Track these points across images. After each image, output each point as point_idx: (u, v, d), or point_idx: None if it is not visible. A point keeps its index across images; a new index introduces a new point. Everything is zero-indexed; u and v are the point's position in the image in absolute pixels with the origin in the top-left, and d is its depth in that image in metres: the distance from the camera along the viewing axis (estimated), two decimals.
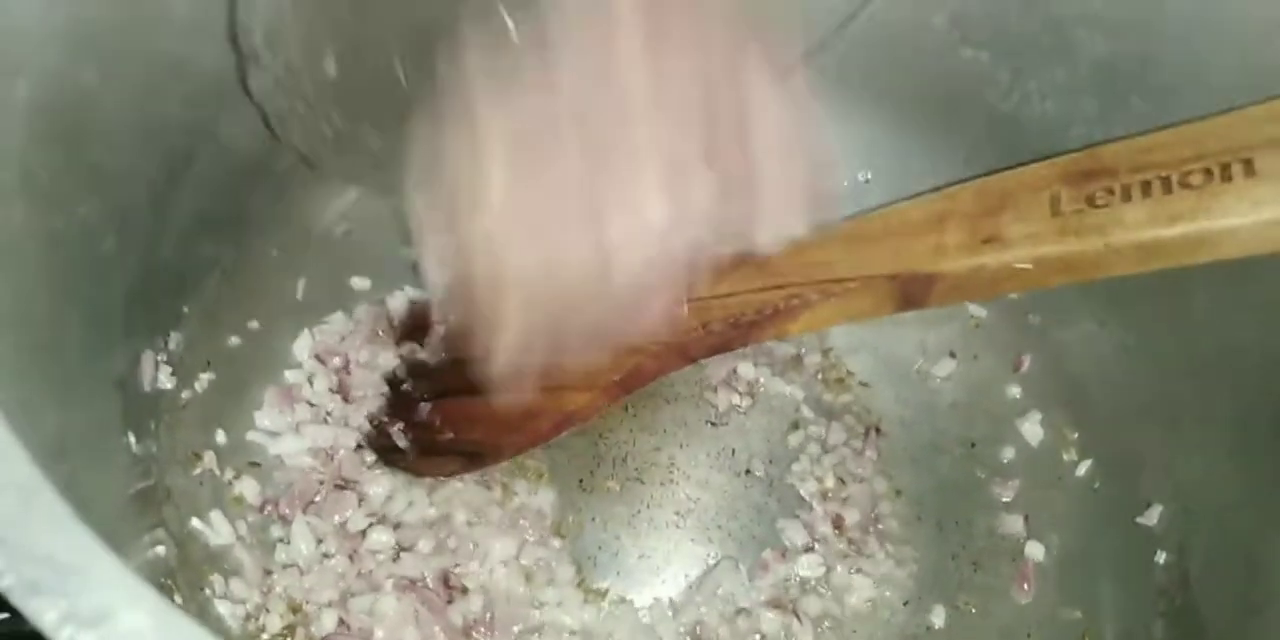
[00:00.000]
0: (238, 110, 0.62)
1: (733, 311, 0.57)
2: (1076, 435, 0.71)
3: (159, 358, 0.60)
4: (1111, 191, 0.47)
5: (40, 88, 0.47)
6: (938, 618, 0.66)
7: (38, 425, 0.37)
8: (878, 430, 0.72)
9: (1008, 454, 0.72)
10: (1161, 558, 0.63)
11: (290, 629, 0.61)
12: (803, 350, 0.75)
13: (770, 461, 0.71)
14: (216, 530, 0.61)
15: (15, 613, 0.52)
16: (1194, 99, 0.61)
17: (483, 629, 0.62)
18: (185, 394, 0.63)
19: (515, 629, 0.63)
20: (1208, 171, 0.45)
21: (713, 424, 0.72)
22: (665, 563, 0.67)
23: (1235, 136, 0.46)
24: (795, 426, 0.72)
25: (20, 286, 0.46)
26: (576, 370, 0.58)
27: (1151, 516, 0.65)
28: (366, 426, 0.67)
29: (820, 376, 0.74)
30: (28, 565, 0.31)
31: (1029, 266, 0.48)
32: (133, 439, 0.56)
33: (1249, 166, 0.44)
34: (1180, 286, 0.63)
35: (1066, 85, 0.67)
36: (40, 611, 0.31)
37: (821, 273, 0.55)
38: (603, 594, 0.66)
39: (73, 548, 0.32)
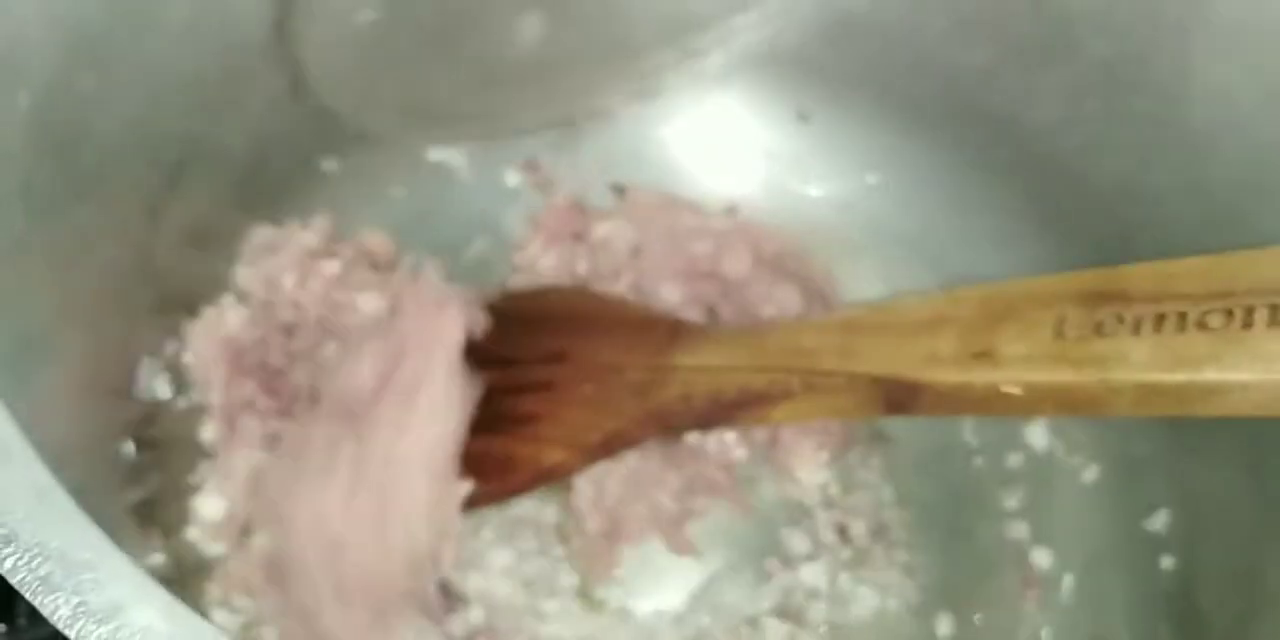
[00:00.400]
0: (235, 119, 0.62)
1: (715, 387, 0.56)
2: (1084, 439, 0.71)
3: (157, 366, 0.60)
4: (1122, 320, 0.43)
5: (41, 97, 0.47)
6: (945, 626, 0.66)
7: (39, 432, 0.37)
8: (883, 437, 0.72)
9: (1014, 460, 0.71)
10: (1167, 563, 0.63)
11: None
12: None
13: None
14: (212, 538, 0.60)
15: (13, 625, 0.52)
16: (1195, 102, 0.63)
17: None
18: (182, 403, 0.62)
19: None
20: (1229, 313, 0.40)
21: None
22: (666, 572, 0.67)
23: (1271, 276, 0.41)
24: None
25: (20, 293, 0.46)
26: (559, 426, 0.58)
27: (1157, 522, 0.65)
28: None
29: None
30: (40, 562, 0.32)
31: (1018, 391, 0.45)
32: (131, 448, 0.56)
33: (1275, 314, 0.39)
34: None
35: (1069, 86, 0.67)
36: (53, 607, 0.31)
37: (808, 362, 0.53)
38: (603, 604, 0.65)
39: (84, 545, 0.32)
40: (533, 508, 0.66)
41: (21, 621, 0.60)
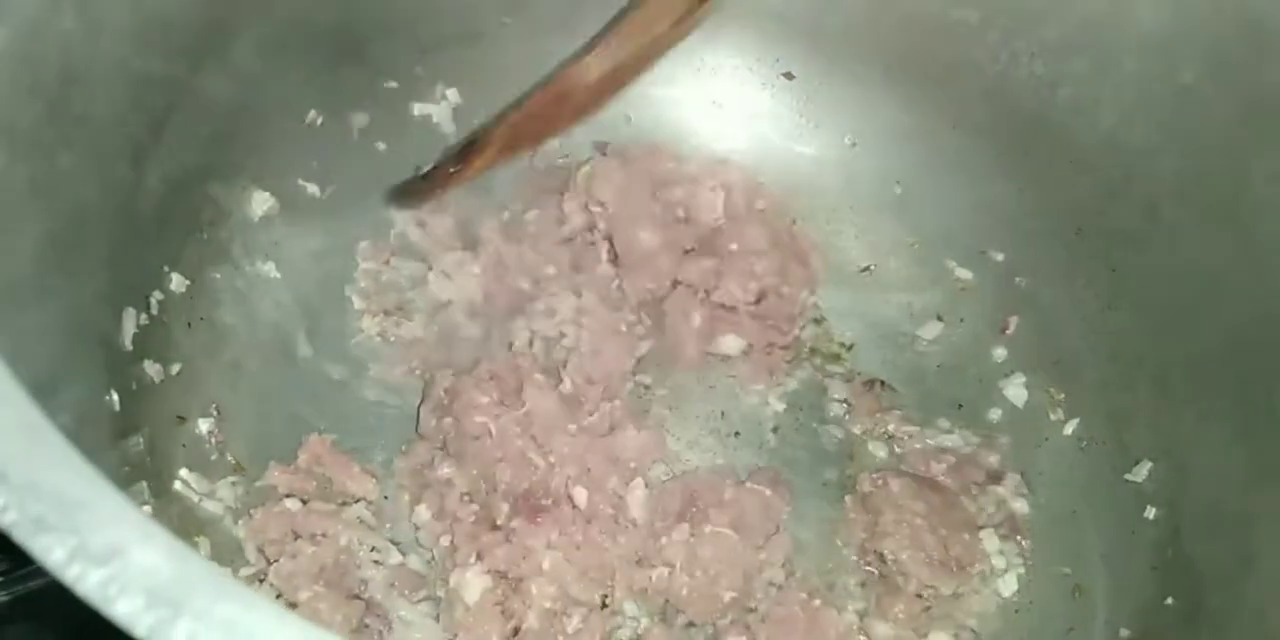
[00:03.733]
0: (219, 65, 0.61)
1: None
2: (1063, 395, 0.71)
3: (141, 317, 0.59)
4: None
5: (20, 34, 0.46)
6: None
7: (25, 377, 0.35)
8: (882, 384, 0.72)
9: (994, 415, 0.72)
10: (1151, 513, 0.64)
11: None
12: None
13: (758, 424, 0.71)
14: (199, 492, 0.60)
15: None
16: (1185, 58, 0.62)
17: None
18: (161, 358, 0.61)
19: None
20: None
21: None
22: None
23: None
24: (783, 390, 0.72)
25: (2, 236, 0.45)
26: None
27: (1140, 473, 0.65)
28: None
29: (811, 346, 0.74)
30: (33, 501, 0.30)
31: None
32: (116, 398, 0.55)
33: None
34: (1170, 234, 0.64)
35: (1058, 44, 0.67)
36: (47, 549, 0.29)
37: None
38: None
39: (80, 484, 0.31)
40: None
41: None
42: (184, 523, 0.59)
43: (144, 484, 0.56)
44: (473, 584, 0.60)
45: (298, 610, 0.58)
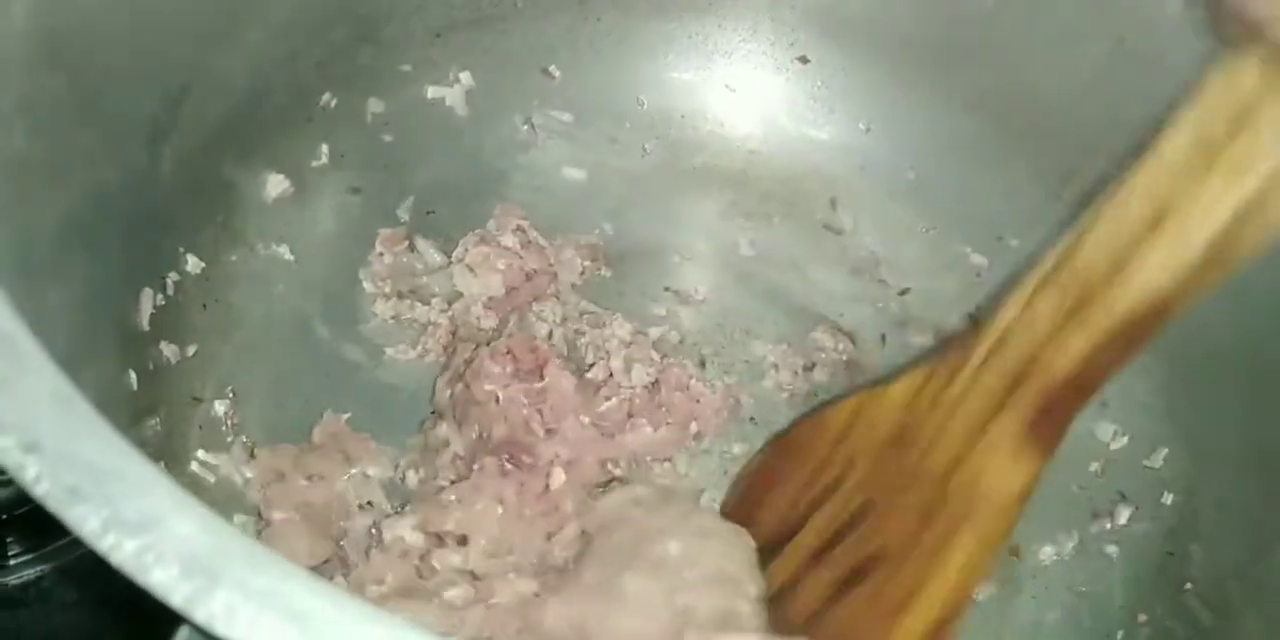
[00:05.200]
0: (237, 46, 0.61)
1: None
2: None
3: (157, 297, 0.58)
4: None
5: (40, 8, 0.46)
6: None
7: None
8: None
9: None
10: (1169, 498, 0.64)
11: None
12: None
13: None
14: (216, 473, 0.60)
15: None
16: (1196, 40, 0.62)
17: None
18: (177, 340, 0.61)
19: None
20: None
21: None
22: None
23: None
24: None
25: (21, 211, 0.45)
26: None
27: (1157, 459, 0.65)
28: None
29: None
30: (67, 471, 0.29)
31: None
32: (134, 378, 0.55)
33: None
34: None
35: (1073, 28, 0.67)
36: (81, 518, 0.29)
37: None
38: None
39: (114, 454, 0.30)
40: None
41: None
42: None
43: (162, 465, 0.56)
44: (400, 535, 0.59)
45: (270, 529, 0.58)
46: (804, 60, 0.78)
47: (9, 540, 0.66)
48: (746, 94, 0.79)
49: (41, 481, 0.30)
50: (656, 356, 0.69)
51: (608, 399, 0.66)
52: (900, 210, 0.78)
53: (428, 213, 0.73)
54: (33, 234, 0.45)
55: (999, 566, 0.63)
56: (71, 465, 0.30)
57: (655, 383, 0.67)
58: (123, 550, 0.29)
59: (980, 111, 0.74)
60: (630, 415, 0.66)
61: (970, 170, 0.76)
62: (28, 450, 0.30)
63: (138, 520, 0.29)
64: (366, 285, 0.70)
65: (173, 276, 0.60)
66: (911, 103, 0.76)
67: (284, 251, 0.68)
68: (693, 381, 0.68)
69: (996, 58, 0.71)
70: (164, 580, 0.28)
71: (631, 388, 0.67)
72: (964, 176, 0.76)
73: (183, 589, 0.28)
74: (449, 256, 0.71)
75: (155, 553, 0.29)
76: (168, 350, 0.59)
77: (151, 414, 0.57)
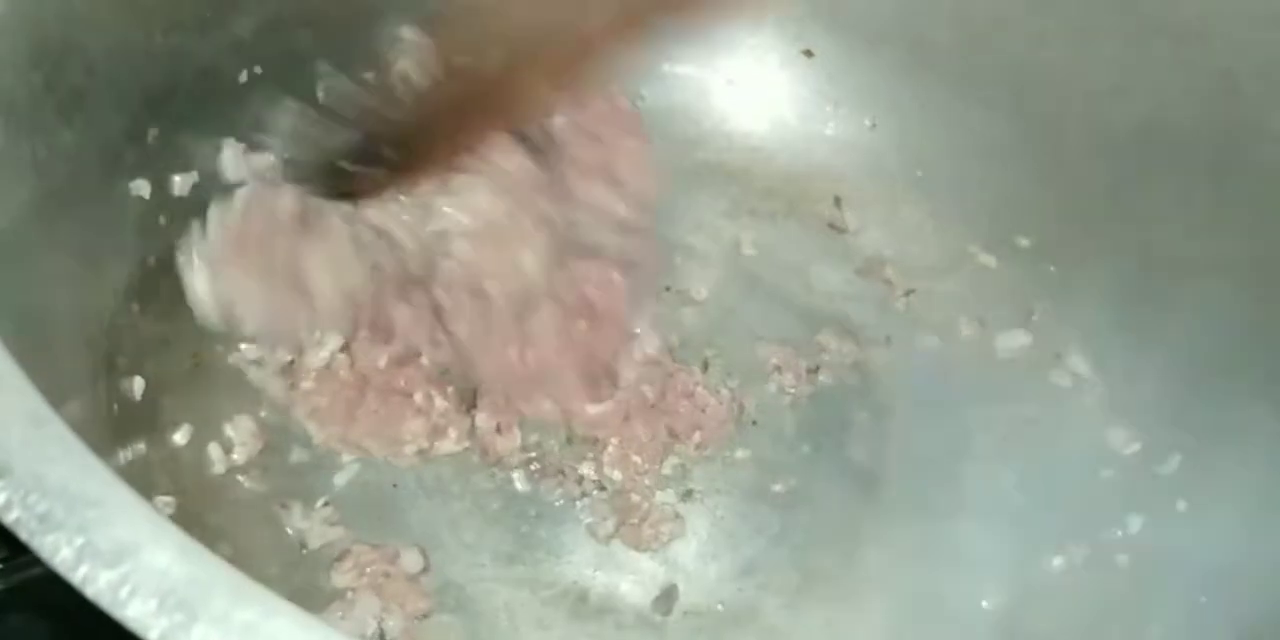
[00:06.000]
0: (219, 41, 0.59)
1: None
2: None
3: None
4: None
5: (20, 2, 0.44)
6: None
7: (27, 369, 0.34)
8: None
9: None
10: (1182, 506, 0.62)
11: None
12: None
13: None
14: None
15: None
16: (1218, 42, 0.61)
17: None
18: None
19: None
20: None
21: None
22: None
23: None
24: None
25: (3, 219, 0.43)
26: None
27: (1170, 466, 0.64)
28: None
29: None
30: (38, 497, 0.28)
31: None
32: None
33: None
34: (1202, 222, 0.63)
35: (1086, 26, 0.65)
36: (53, 548, 0.28)
37: None
38: None
39: (88, 479, 0.29)
40: None
41: None
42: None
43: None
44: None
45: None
46: (809, 54, 0.77)
47: None
48: (749, 89, 0.78)
49: (11, 508, 0.28)
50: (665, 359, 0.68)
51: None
52: (907, 209, 0.76)
53: None
54: (15, 239, 0.44)
55: (1010, 576, 0.63)
56: (43, 490, 0.29)
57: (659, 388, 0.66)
58: (96, 583, 0.28)
59: (990, 109, 0.73)
60: (629, 417, 0.65)
61: (979, 168, 0.74)
62: None
63: (113, 550, 0.28)
64: None
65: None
66: (919, 98, 0.75)
67: None
68: (698, 389, 0.67)
69: (1006, 55, 0.70)
70: (140, 615, 0.27)
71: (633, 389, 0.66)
72: (972, 174, 0.75)
73: (160, 624, 0.27)
74: None
75: (131, 585, 0.27)
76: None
77: (134, 438, 0.55)
